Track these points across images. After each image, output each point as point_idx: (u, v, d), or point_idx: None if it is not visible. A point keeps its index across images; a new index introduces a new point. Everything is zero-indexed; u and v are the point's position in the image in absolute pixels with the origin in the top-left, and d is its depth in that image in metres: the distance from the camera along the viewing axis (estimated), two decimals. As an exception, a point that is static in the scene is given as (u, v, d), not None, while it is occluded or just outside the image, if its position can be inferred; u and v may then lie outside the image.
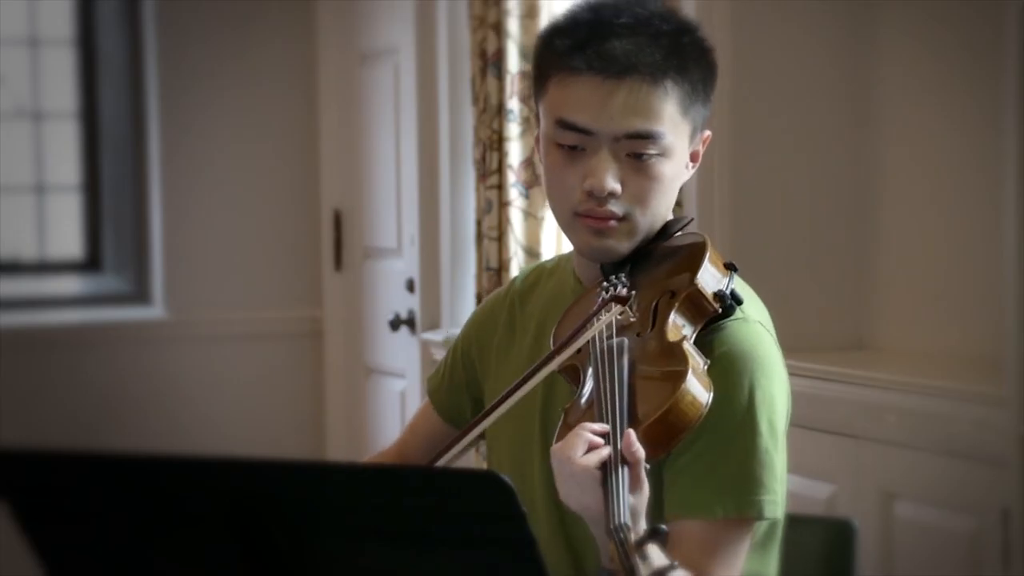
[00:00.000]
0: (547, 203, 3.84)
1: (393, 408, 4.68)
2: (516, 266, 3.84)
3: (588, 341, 1.76)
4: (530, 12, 3.85)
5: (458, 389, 2.11)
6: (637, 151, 1.83)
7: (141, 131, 5.04)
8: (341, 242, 5.01)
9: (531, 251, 3.85)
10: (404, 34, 4.46)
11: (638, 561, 1.47)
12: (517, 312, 2.04)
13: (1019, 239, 2.65)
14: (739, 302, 1.82)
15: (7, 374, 4.73)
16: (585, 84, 1.82)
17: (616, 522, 1.52)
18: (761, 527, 1.81)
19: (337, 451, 4.99)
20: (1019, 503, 2.64)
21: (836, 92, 3.45)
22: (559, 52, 1.85)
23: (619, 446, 1.61)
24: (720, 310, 1.80)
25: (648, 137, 1.83)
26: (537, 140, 1.94)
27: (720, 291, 1.80)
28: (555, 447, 1.67)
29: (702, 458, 1.75)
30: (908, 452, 2.94)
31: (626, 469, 1.59)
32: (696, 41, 1.88)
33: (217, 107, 4.97)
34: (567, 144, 1.85)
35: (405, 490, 1.43)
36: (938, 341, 3.32)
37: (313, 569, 1.47)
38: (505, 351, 2.03)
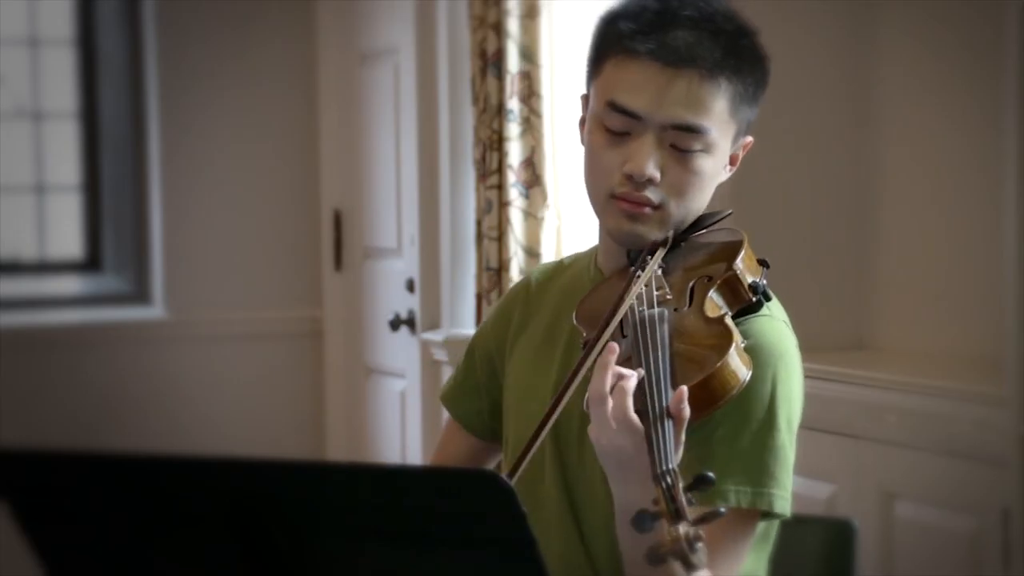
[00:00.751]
0: (546, 203, 3.85)
1: (393, 408, 4.68)
2: (516, 266, 3.84)
3: (627, 311, 1.76)
4: (530, 12, 3.85)
5: (474, 391, 2.10)
6: (682, 143, 1.85)
7: (141, 131, 5.04)
8: (341, 242, 5.01)
9: (531, 251, 3.85)
10: (404, 34, 4.46)
11: (684, 504, 1.47)
12: (533, 305, 2.05)
13: (1019, 239, 2.65)
14: (768, 298, 1.84)
15: (7, 374, 4.73)
16: (643, 69, 1.84)
17: (664, 467, 1.53)
18: (760, 526, 1.82)
19: (337, 451, 4.99)
20: (1019, 503, 2.64)
21: (836, 92, 3.45)
22: (622, 34, 1.87)
23: (666, 400, 1.61)
24: (753, 300, 1.82)
25: (695, 131, 1.84)
26: (581, 123, 1.95)
27: (755, 282, 1.82)
28: (589, 390, 1.67)
29: (720, 446, 1.76)
30: (908, 452, 2.94)
31: (671, 422, 1.60)
32: (754, 45, 1.90)
33: (217, 107, 4.97)
34: (614, 128, 1.86)
35: (405, 490, 1.43)
36: (938, 341, 3.32)
37: (313, 569, 1.47)
38: (518, 342, 2.04)
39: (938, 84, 3.33)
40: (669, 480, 1.50)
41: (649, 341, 1.70)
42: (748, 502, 1.76)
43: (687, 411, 1.62)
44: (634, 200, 1.86)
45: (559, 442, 1.91)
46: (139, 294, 5.10)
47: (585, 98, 1.95)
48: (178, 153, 4.96)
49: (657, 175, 1.85)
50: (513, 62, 3.84)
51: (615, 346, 1.69)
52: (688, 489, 1.50)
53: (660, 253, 1.85)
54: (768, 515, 1.79)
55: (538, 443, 1.73)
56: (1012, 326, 2.66)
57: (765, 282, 1.84)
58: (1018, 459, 2.63)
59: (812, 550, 2.15)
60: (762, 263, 1.87)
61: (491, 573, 1.43)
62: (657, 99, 1.83)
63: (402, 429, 4.61)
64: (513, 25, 3.84)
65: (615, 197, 1.87)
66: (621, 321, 1.77)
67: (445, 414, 2.16)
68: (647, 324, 1.72)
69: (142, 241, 5.07)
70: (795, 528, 1.96)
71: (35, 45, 5.12)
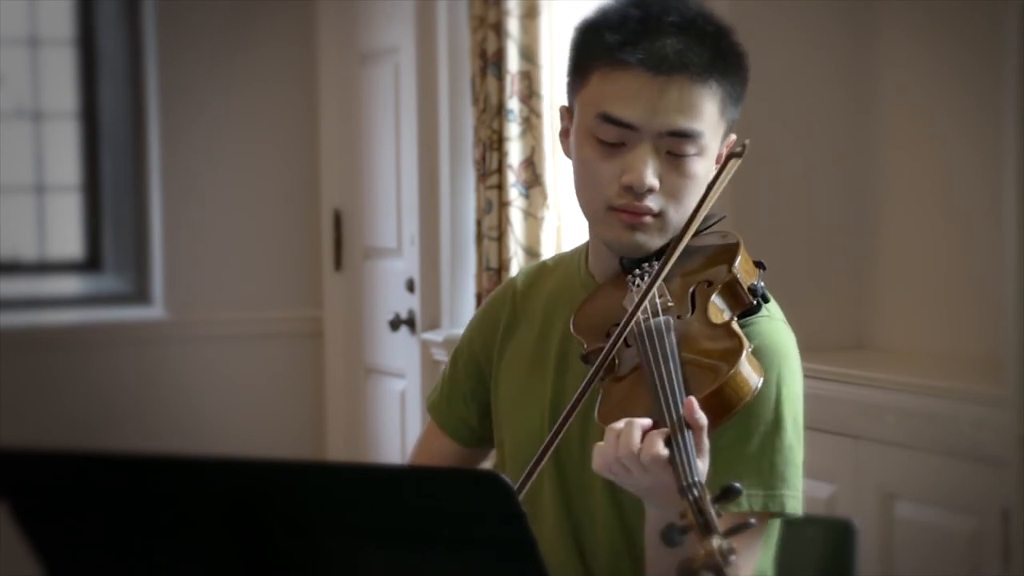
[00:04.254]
0: (546, 203, 3.85)
1: (393, 408, 4.68)
2: (516, 266, 3.84)
3: (633, 321, 1.75)
4: (530, 12, 3.85)
5: (460, 399, 2.08)
6: (677, 149, 1.85)
7: (141, 131, 5.04)
8: (341, 242, 5.01)
9: (531, 251, 3.85)
10: (404, 34, 4.46)
11: (714, 516, 1.47)
12: (520, 309, 2.04)
13: (1019, 239, 2.65)
14: (767, 300, 1.84)
15: (7, 374, 4.73)
16: (634, 79, 1.83)
17: (688, 480, 1.52)
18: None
19: (337, 451, 4.99)
20: (1019, 503, 2.64)
21: (836, 92, 3.45)
22: (608, 46, 1.85)
23: (681, 412, 1.60)
24: (754, 303, 1.81)
25: (690, 136, 1.84)
26: (564, 133, 1.94)
27: (753, 285, 1.82)
28: (608, 449, 1.63)
29: (729, 450, 1.76)
30: (908, 452, 2.94)
31: (690, 433, 1.59)
32: (734, 45, 1.90)
33: (217, 107, 4.97)
34: (607, 139, 1.85)
35: (405, 490, 1.43)
36: (938, 341, 3.32)
37: (313, 569, 1.47)
38: (507, 348, 2.03)
39: (938, 84, 3.33)
40: (696, 492, 1.50)
41: (659, 351, 1.69)
42: (760, 505, 1.77)
43: (703, 419, 1.61)
44: (635, 211, 1.85)
45: (560, 465, 1.90)
46: (139, 294, 5.10)
47: (566, 109, 1.94)
48: (178, 153, 4.96)
49: (657, 183, 1.84)
50: (513, 62, 3.84)
51: (647, 423, 1.63)
52: (715, 501, 1.50)
53: (664, 261, 1.82)
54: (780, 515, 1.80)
55: (540, 467, 1.71)
56: (1012, 326, 2.66)
57: (763, 284, 1.84)
58: (1018, 459, 2.63)
59: (812, 550, 2.15)
60: (758, 265, 1.87)
61: (491, 573, 1.43)
62: (651, 108, 1.82)
63: (402, 429, 4.61)
64: (513, 25, 3.84)
65: (614, 209, 1.86)
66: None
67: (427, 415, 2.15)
68: (654, 334, 1.72)
69: (142, 241, 5.07)
70: (795, 528, 1.97)
71: (35, 45, 5.12)
